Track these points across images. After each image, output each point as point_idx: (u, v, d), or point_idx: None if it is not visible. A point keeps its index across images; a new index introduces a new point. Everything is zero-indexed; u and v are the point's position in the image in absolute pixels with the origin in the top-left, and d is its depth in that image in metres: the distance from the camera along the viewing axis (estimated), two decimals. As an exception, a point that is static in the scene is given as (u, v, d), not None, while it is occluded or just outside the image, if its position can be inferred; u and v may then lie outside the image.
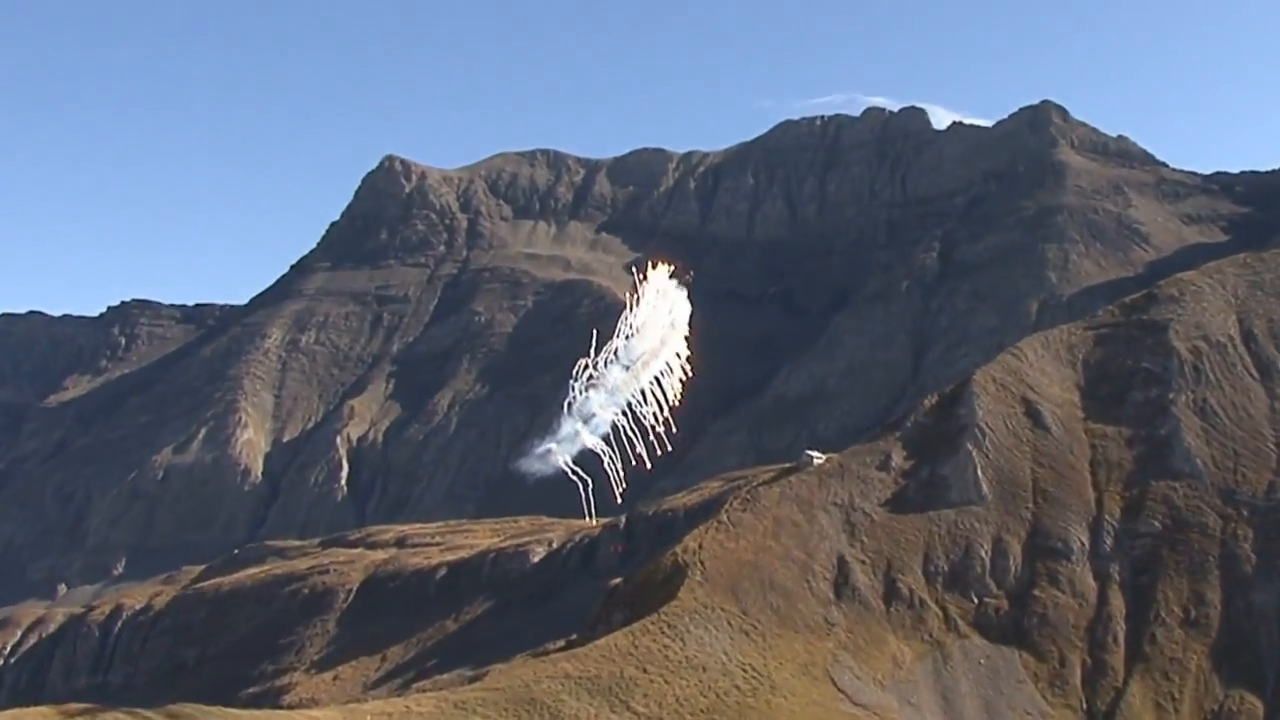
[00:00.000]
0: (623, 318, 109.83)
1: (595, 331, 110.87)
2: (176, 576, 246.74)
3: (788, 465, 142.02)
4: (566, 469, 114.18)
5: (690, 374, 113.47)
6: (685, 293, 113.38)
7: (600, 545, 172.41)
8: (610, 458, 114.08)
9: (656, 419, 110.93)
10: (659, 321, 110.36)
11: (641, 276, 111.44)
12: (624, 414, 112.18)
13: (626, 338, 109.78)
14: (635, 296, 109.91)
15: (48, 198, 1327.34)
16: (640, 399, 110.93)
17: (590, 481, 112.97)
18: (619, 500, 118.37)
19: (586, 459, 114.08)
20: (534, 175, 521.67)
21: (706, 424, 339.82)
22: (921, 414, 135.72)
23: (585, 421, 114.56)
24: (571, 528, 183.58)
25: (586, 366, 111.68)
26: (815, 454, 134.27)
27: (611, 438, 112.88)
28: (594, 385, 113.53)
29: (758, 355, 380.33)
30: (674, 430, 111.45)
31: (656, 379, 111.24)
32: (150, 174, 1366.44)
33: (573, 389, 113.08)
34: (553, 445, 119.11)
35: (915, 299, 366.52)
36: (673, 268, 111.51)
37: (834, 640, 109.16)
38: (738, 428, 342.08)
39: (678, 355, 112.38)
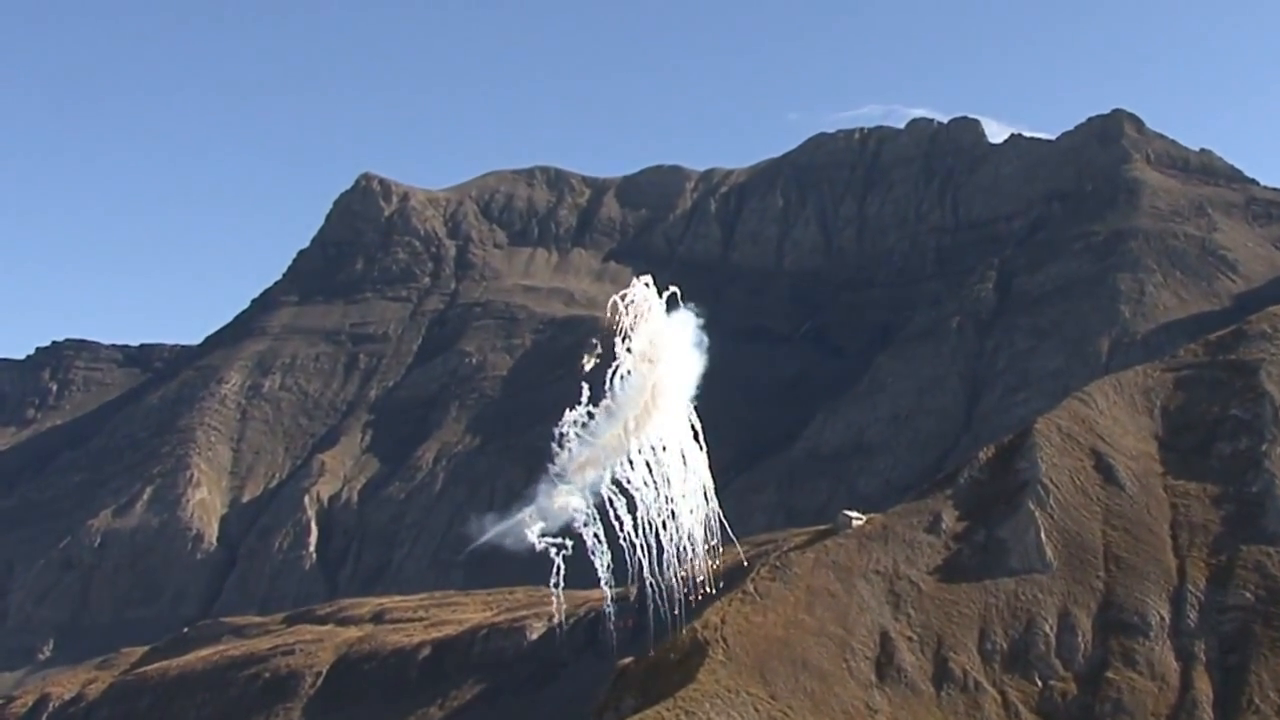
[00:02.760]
0: (615, 354, 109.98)
1: (586, 384, 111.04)
2: (114, 660, 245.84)
3: (823, 527, 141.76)
4: (541, 544, 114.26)
5: (697, 425, 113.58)
6: (686, 314, 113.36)
7: (607, 620, 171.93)
8: (595, 541, 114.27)
9: (660, 493, 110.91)
10: (649, 355, 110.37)
11: (622, 299, 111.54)
12: (613, 484, 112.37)
13: (615, 379, 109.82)
14: (618, 328, 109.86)
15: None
16: (628, 466, 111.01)
17: (568, 550, 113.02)
18: (631, 568, 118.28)
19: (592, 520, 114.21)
20: (532, 196, 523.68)
21: (729, 480, 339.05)
22: (976, 468, 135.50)
23: (569, 487, 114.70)
24: (574, 600, 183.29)
25: (573, 422, 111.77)
26: (854, 514, 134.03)
27: (596, 516, 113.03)
28: (581, 442, 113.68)
29: (788, 401, 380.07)
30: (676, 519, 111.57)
31: (654, 445, 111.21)
32: (87, 193, 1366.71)
33: (555, 449, 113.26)
34: (528, 515, 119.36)
35: (968, 337, 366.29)
36: (661, 286, 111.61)
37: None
38: (765, 484, 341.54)
39: (677, 403, 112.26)
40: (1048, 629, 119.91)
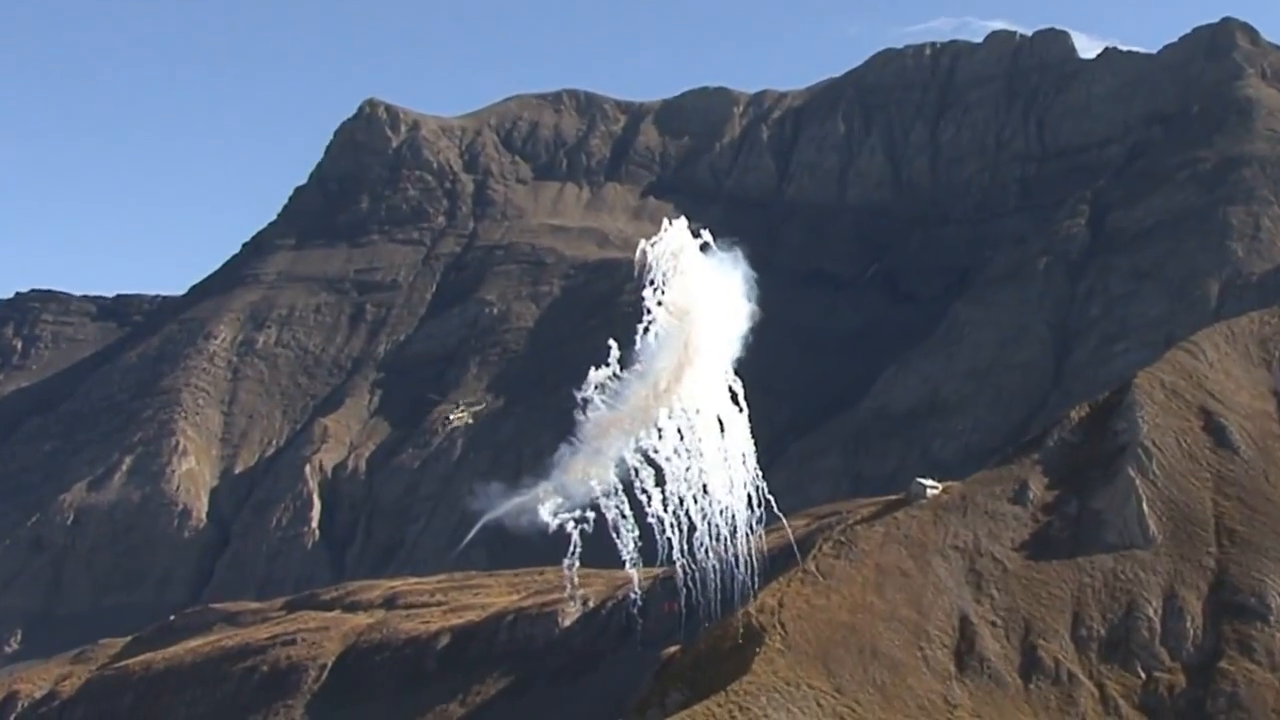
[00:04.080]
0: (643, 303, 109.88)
1: (614, 341, 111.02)
2: (92, 653, 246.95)
3: (893, 497, 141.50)
4: (556, 522, 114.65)
5: (738, 387, 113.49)
6: (732, 258, 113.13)
7: (650, 603, 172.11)
8: (620, 516, 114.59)
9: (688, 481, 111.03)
10: (684, 308, 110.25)
11: (649, 243, 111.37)
12: (640, 455, 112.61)
13: (644, 336, 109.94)
14: (647, 274, 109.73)
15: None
16: (656, 434, 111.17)
17: (589, 526, 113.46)
18: (662, 548, 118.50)
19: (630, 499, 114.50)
20: (559, 124, 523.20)
21: (786, 444, 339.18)
22: (1067, 430, 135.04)
23: (591, 457, 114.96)
24: (613, 581, 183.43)
25: (597, 384, 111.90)
26: (929, 482, 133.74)
27: (621, 489, 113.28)
28: (606, 407, 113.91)
29: (852, 355, 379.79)
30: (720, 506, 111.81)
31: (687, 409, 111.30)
32: (52, 123, 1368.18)
33: (578, 415, 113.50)
34: (541, 490, 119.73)
35: (1057, 280, 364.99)
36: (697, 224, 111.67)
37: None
38: (827, 449, 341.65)
39: (720, 360, 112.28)
40: (1151, 613, 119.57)
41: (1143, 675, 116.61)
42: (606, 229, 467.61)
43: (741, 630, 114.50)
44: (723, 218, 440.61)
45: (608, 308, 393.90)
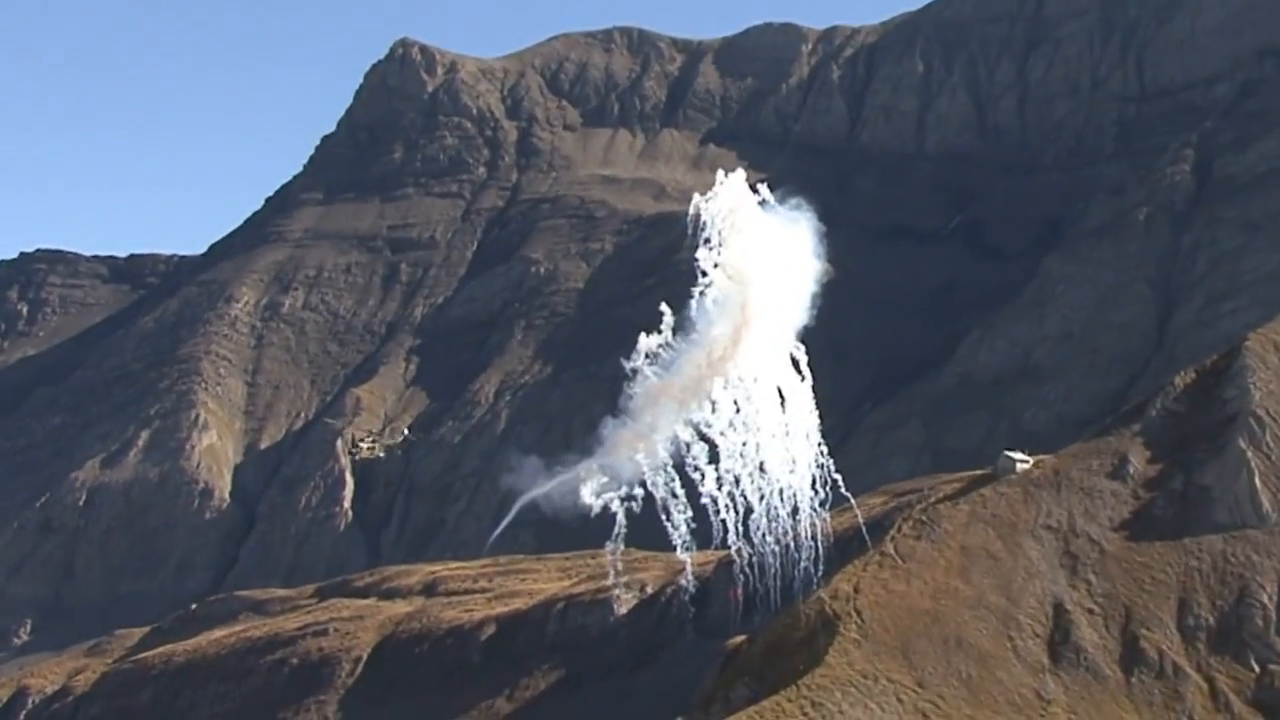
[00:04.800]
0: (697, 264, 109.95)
1: (667, 305, 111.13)
2: (107, 645, 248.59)
3: (979, 473, 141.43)
4: (599, 503, 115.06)
5: (800, 356, 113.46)
6: (799, 212, 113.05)
7: (713, 590, 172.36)
8: (670, 496, 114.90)
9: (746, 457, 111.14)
10: (741, 271, 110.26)
11: (704, 198, 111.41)
12: (696, 433, 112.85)
13: (698, 300, 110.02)
14: (702, 232, 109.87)
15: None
16: (710, 409, 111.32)
17: (637, 506, 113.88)
18: (717, 530, 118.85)
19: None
20: (610, 65, 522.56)
21: (862, 415, 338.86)
22: (1171, 398, 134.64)
23: (638, 433, 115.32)
24: (671, 565, 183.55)
25: (646, 353, 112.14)
26: (1019, 456, 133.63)
27: (670, 465, 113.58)
28: (658, 378, 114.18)
29: (934, 316, 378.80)
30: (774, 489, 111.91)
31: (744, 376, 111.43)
32: (56, 67, 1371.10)
33: (627, 386, 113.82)
34: (582, 471, 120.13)
35: (1160, 233, 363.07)
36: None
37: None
38: (907, 419, 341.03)
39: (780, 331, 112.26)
40: (1266, 599, 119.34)
41: (1256, 668, 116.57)
42: (662, 179, 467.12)
43: (813, 618, 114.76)
44: (789, 167, 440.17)
45: (664, 266, 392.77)
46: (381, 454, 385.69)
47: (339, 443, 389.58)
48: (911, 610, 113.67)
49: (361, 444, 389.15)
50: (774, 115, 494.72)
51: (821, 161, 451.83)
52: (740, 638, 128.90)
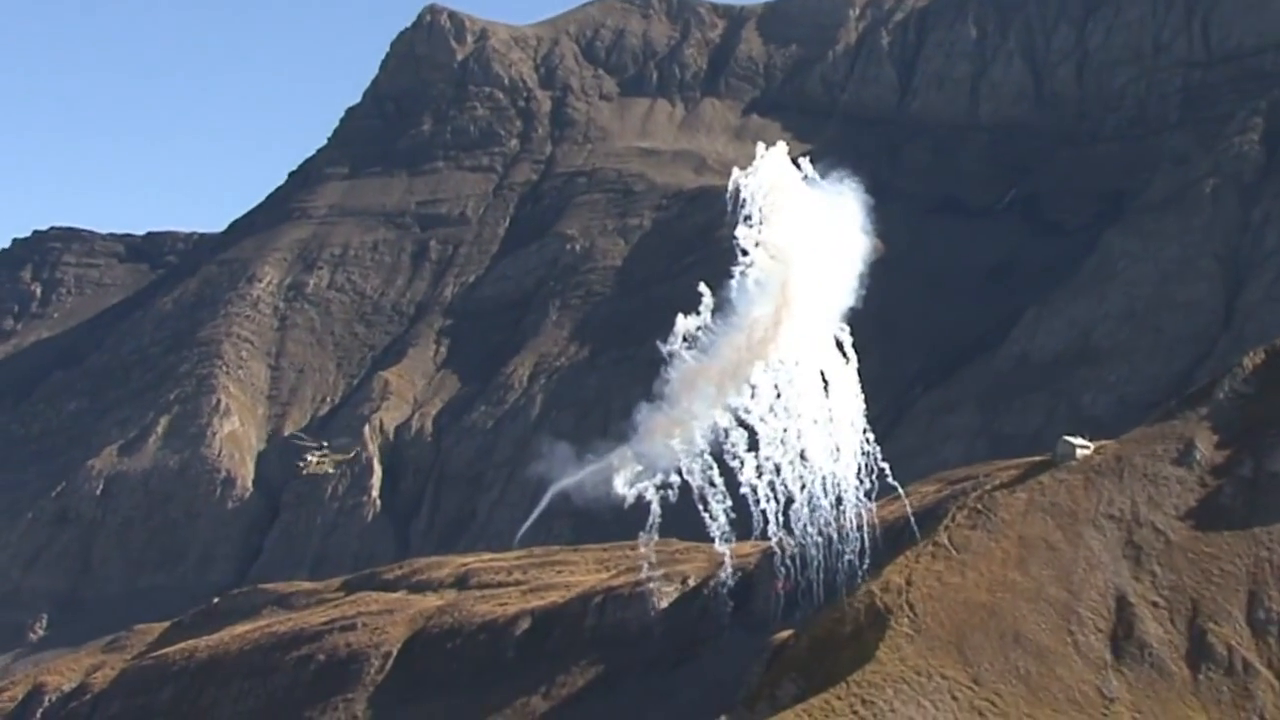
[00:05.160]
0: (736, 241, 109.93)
1: (705, 286, 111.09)
2: (126, 640, 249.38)
3: (1037, 459, 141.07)
4: (632, 493, 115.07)
5: (845, 338, 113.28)
6: (846, 186, 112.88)
7: (758, 582, 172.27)
8: (708, 484, 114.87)
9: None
10: (782, 249, 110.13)
11: (744, 174, 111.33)
12: (734, 419, 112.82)
13: (738, 280, 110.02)
14: (741, 209, 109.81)
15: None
16: (750, 394, 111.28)
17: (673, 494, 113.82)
18: (757, 521, 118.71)
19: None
20: (648, 32, 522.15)
21: (914, 399, 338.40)
22: (1240, 380, 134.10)
23: (674, 419, 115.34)
24: (715, 556, 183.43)
25: (683, 336, 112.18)
26: (1079, 441, 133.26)
27: (707, 452, 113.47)
28: (695, 362, 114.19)
29: (989, 294, 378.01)
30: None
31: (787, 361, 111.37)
32: (76, 45, 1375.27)
33: (664, 371, 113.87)
34: (615, 460, 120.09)
35: (1227, 206, 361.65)
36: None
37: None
38: (961, 403, 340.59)
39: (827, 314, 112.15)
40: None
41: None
42: (703, 151, 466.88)
43: (863, 612, 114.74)
44: (836, 138, 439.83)
45: (706, 243, 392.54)
46: (331, 469, 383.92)
47: (366, 429, 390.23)
48: (967, 603, 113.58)
49: (310, 457, 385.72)
50: (820, 84, 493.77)
51: (870, 132, 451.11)
52: (786, 633, 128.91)
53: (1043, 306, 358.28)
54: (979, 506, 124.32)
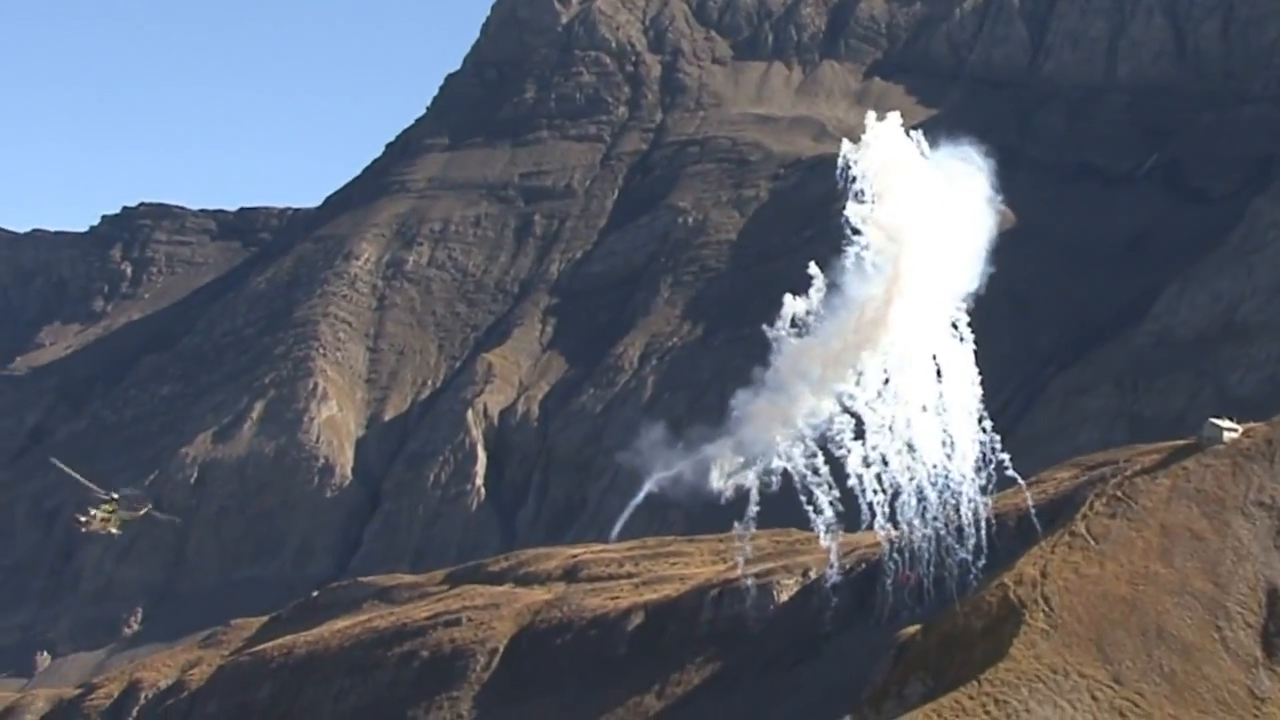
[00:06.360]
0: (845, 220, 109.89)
1: (814, 263, 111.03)
2: (223, 635, 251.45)
3: (1181, 442, 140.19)
4: (729, 488, 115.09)
5: (962, 322, 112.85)
6: (971, 153, 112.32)
7: (882, 574, 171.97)
8: (810, 473, 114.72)
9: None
10: (895, 227, 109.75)
11: (854, 147, 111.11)
12: (841, 407, 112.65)
13: (853, 256, 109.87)
14: (849, 184, 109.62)
15: (2, 59, 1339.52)
16: (855, 380, 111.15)
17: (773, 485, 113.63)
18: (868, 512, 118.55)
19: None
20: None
21: (1047, 379, 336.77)
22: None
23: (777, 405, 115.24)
24: (839, 546, 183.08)
25: (790, 318, 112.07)
26: (1226, 424, 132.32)
27: (808, 440, 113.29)
28: (803, 345, 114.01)
29: (1128, 267, 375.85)
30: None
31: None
32: (165, 15, 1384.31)
33: (769, 356, 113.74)
34: (710, 451, 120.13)
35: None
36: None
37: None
38: (1098, 383, 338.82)
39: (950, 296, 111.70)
40: None
41: None
42: (822, 118, 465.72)
43: (995, 606, 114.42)
44: (964, 102, 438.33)
45: (825, 215, 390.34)
46: (115, 530, 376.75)
47: (470, 414, 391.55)
48: (1106, 597, 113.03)
49: (94, 510, 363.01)
50: (946, 44, 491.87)
51: (1000, 96, 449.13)
52: (913, 628, 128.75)
53: (1186, 280, 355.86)
54: (1119, 494, 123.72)
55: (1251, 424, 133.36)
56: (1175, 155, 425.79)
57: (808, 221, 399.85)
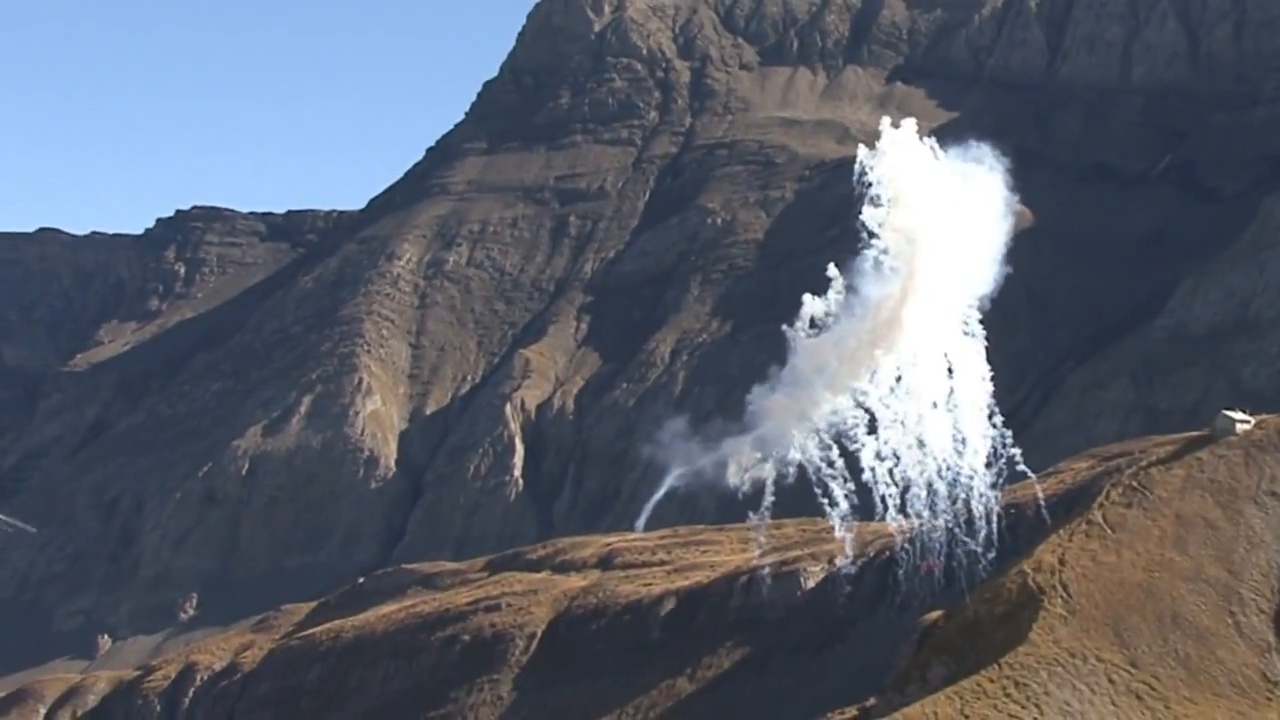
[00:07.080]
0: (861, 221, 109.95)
1: (833, 264, 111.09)
2: (274, 620, 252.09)
3: (1195, 434, 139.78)
4: (746, 484, 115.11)
5: (973, 322, 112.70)
6: (987, 154, 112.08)
7: (905, 562, 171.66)
8: (825, 466, 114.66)
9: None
10: (910, 229, 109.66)
11: (869, 153, 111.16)
12: (855, 399, 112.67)
13: (863, 261, 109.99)
14: (865, 188, 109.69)
15: (61, 67, 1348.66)
16: (869, 377, 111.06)
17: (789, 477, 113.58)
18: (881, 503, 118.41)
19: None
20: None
21: (1064, 372, 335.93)
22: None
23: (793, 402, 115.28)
24: (862, 535, 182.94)
25: (809, 317, 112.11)
26: (1239, 415, 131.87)
27: (823, 434, 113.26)
28: (819, 342, 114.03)
29: (1143, 265, 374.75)
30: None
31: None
32: (215, 24, 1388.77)
33: (791, 354, 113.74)
34: (727, 447, 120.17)
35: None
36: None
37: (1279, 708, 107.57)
38: (1114, 377, 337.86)
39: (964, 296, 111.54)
40: None
41: None
42: (847, 121, 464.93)
43: (1015, 592, 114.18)
44: (983, 105, 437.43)
45: (848, 215, 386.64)
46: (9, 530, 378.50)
47: (508, 408, 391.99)
48: (1123, 584, 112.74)
49: None
50: (966, 49, 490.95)
51: (1018, 98, 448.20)
52: (935, 614, 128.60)
53: (1200, 277, 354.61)
54: (1134, 484, 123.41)
55: (1264, 416, 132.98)
56: (1189, 156, 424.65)
57: (832, 221, 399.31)
